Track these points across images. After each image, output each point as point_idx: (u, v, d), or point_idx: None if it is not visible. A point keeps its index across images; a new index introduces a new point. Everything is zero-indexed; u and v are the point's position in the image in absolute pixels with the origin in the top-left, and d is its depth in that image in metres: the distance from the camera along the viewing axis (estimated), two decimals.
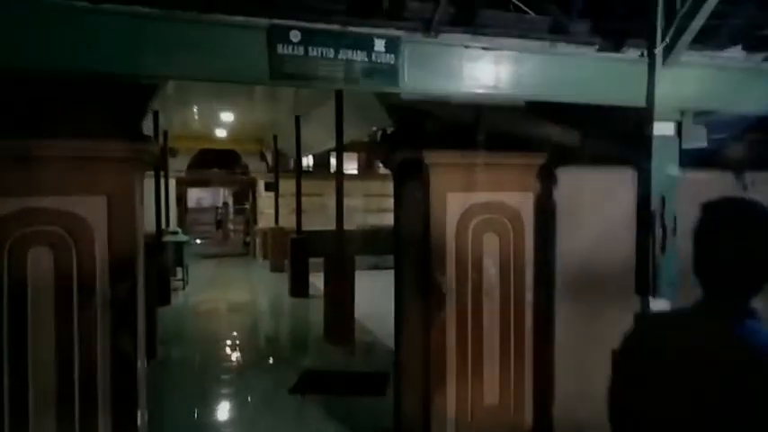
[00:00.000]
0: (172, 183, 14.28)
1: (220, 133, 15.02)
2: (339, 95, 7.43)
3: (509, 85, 3.17)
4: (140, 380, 3.17)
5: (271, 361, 7.19)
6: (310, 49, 2.58)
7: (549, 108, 3.69)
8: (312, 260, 10.55)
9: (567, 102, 3.41)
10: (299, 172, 11.45)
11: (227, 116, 12.13)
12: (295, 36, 2.55)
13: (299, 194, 11.17)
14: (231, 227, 25.41)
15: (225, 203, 26.82)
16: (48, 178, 2.89)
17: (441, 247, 3.82)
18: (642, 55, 3.34)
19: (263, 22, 2.53)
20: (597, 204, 4.17)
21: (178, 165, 17.36)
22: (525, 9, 3.40)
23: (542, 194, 4.10)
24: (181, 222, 16.92)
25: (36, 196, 2.89)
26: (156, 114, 10.22)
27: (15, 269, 2.88)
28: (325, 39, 2.61)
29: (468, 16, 3.12)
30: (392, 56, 2.71)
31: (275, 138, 14.40)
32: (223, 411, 5.79)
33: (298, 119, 11.13)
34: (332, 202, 14.54)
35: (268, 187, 15.76)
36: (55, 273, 2.96)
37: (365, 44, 2.68)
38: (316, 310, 8.48)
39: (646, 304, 2.95)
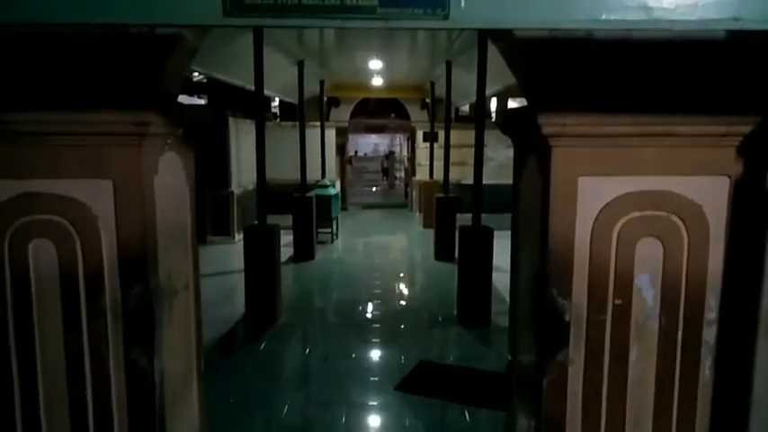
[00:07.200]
0: (330, 133, 14.21)
1: (377, 82, 14.49)
2: (482, 33, 6.11)
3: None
4: (158, 396, 2.64)
5: (388, 342, 6.45)
6: None
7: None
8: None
9: None
10: (448, 122, 10.32)
11: (376, 64, 11.42)
12: None
13: (447, 147, 10.11)
14: (397, 175, 25.38)
15: (391, 152, 26.76)
16: (42, 157, 2.37)
17: (565, 256, 2.59)
18: None
19: None
20: None
21: (340, 114, 17.45)
22: None
23: (747, 181, 2.57)
24: (342, 172, 17.08)
25: (32, 179, 2.40)
26: (301, 64, 9.91)
27: (17, 263, 2.46)
28: None
29: None
30: None
31: (432, 85, 13.40)
32: (303, 412, 4.84)
33: (449, 64, 9.96)
34: (493, 153, 13.21)
35: (425, 137, 14.90)
36: (60, 269, 2.48)
37: None
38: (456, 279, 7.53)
39: None
